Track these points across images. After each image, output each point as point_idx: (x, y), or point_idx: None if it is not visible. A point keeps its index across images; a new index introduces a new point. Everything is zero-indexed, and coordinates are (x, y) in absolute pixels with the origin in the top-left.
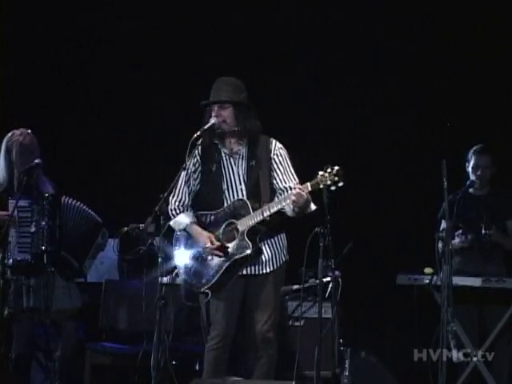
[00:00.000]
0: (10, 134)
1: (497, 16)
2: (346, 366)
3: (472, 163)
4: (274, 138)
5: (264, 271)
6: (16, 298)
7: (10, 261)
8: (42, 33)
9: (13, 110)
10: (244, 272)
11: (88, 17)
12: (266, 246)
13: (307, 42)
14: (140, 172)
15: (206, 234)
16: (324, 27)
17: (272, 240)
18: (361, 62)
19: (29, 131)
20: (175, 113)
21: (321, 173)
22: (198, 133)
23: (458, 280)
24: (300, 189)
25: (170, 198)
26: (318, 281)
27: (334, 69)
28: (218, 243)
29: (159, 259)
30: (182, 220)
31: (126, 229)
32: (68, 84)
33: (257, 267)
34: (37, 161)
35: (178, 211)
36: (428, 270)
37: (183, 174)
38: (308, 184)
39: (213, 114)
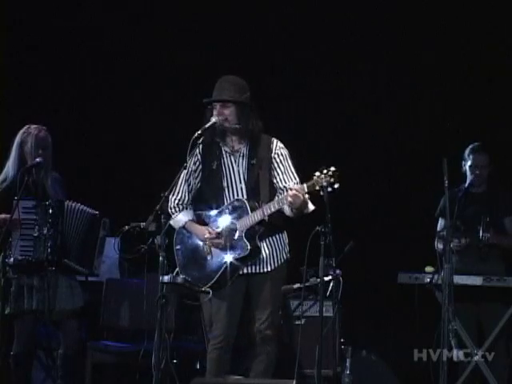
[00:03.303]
0: (25, 128)
1: (497, 16)
2: (347, 364)
3: (470, 162)
4: (275, 138)
5: (263, 270)
6: (17, 299)
7: (11, 260)
8: (44, 33)
9: (13, 109)
10: (245, 271)
11: (89, 16)
12: (266, 244)
13: (307, 41)
14: (141, 171)
15: (203, 227)
16: (324, 26)
17: (272, 239)
18: (361, 61)
19: (44, 128)
20: (176, 112)
21: (317, 174)
22: (199, 132)
23: (459, 279)
24: (296, 190)
25: (170, 196)
26: (319, 279)
27: (334, 68)
28: (216, 231)
29: (160, 258)
30: (182, 218)
31: (126, 228)
32: (66, 81)
33: (257, 266)
34: (38, 159)
35: (177, 209)
36: (429, 269)
37: (184, 172)
38: (304, 185)
39: (214, 113)
